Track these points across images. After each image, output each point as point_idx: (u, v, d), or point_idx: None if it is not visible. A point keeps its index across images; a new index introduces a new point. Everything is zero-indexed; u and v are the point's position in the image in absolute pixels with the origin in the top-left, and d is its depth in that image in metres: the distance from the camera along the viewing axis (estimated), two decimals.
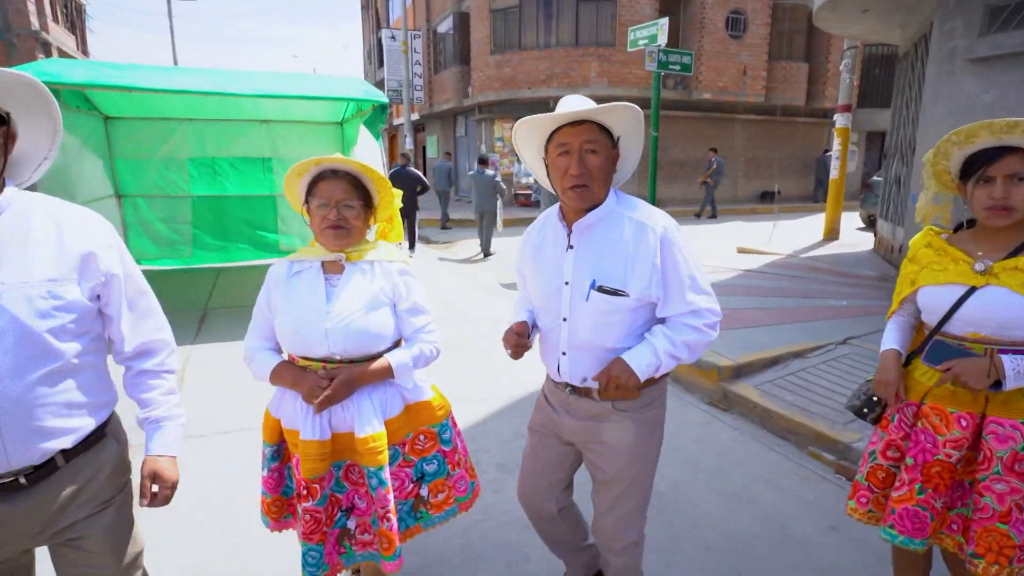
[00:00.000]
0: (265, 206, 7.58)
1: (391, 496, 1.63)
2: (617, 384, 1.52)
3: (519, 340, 1.67)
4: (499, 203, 9.38)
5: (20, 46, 18.42)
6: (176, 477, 1.41)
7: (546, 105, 16.38)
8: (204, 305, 6.25)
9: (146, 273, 1.51)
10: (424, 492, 1.78)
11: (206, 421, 3.49)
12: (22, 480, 1.18)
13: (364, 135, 5.80)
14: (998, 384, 1.50)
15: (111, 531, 1.34)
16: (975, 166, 1.56)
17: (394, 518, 1.63)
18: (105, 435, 1.34)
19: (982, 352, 1.56)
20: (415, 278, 1.75)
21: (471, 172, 9.86)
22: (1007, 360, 1.49)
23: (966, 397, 1.61)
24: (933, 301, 1.67)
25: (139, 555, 1.43)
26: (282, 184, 1.72)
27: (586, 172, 1.50)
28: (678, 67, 6.57)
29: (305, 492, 1.60)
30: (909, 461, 1.70)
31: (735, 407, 3.83)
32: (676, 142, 16.80)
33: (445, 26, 19.55)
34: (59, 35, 23.38)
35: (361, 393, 1.63)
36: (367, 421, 1.61)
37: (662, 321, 1.61)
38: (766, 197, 18.00)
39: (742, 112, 17.72)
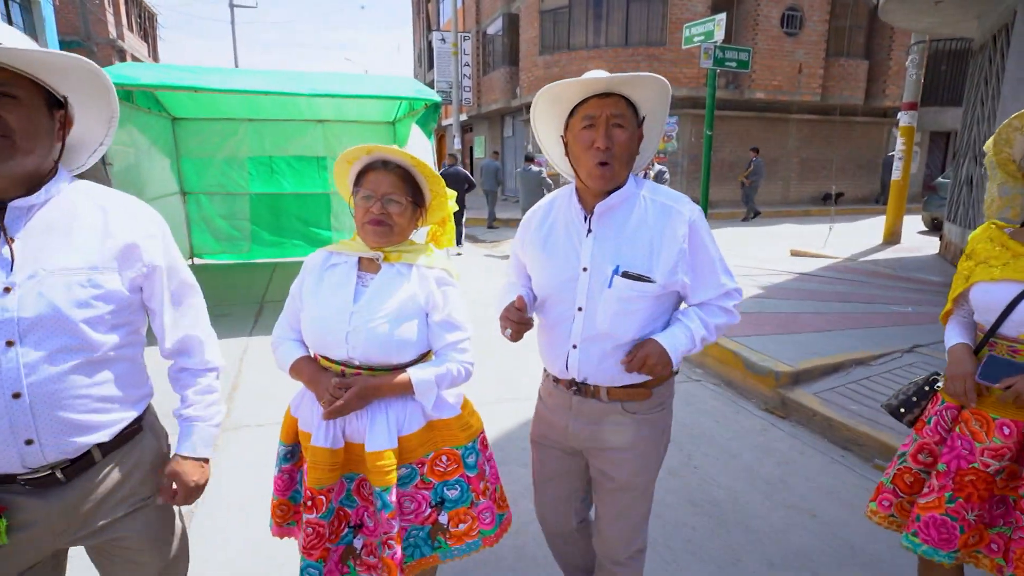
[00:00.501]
0: (319, 203, 7.80)
1: (396, 522, 1.46)
2: (650, 367, 1.44)
3: (522, 316, 1.53)
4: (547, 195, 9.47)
5: (99, 53, 19.53)
6: (198, 479, 1.34)
7: None
8: (261, 298, 6.44)
9: (207, 267, 1.53)
10: (443, 519, 1.59)
11: (261, 413, 3.62)
12: (59, 475, 1.14)
13: (416, 134, 5.88)
14: None
15: (151, 528, 1.31)
16: None
17: (398, 546, 1.45)
18: (142, 429, 1.30)
19: None
20: (455, 288, 1.60)
21: (518, 170, 9.82)
22: None
23: (1011, 404, 1.51)
24: (987, 299, 1.56)
25: (182, 555, 1.41)
26: (334, 182, 1.67)
27: (612, 148, 1.42)
28: (735, 64, 6.40)
29: (310, 503, 1.47)
30: (941, 467, 1.59)
31: (793, 414, 3.69)
32: (726, 142, 16.37)
33: (494, 27, 19.64)
34: (133, 43, 24.69)
35: (377, 405, 1.50)
36: (378, 436, 1.47)
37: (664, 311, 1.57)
38: (828, 199, 17.34)
39: (796, 112, 17.12)
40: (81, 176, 1.29)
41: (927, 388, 1.78)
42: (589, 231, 1.51)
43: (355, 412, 1.48)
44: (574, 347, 1.54)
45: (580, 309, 1.51)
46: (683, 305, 1.62)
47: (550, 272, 1.57)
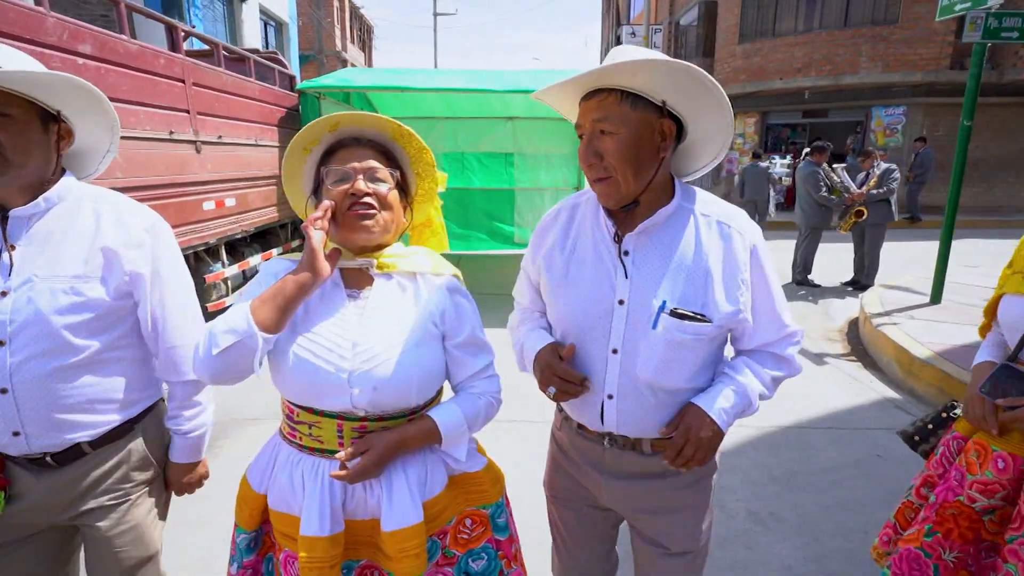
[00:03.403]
0: (504, 199, 8.01)
1: None
2: (699, 443, 1.14)
3: (574, 374, 1.21)
4: (771, 193, 8.77)
5: (327, 63, 22.52)
6: (188, 480, 1.43)
7: (799, 97, 14.62)
8: None
9: None
10: None
11: None
12: (49, 460, 1.22)
13: None
14: None
15: (130, 521, 1.33)
16: None
17: None
18: (132, 429, 1.34)
19: None
20: (470, 299, 1.28)
21: (743, 167, 9.39)
22: None
23: (1016, 435, 1.37)
24: (1012, 314, 1.41)
25: (154, 556, 1.40)
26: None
27: (599, 162, 1.14)
28: (1015, 35, 5.03)
29: None
30: (931, 498, 1.48)
31: None
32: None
33: (689, 17, 18.67)
34: (354, 53, 28.07)
35: (392, 466, 1.14)
36: (401, 509, 1.12)
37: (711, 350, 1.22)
38: None
39: None
40: None
41: (945, 416, 1.63)
42: (624, 253, 1.21)
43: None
44: (609, 397, 1.24)
45: (615, 352, 1.21)
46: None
47: (575, 304, 1.25)
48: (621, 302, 1.19)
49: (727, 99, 1.10)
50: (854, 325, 5.54)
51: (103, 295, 1.21)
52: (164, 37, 4.06)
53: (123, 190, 3.34)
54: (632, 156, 1.12)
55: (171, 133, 3.75)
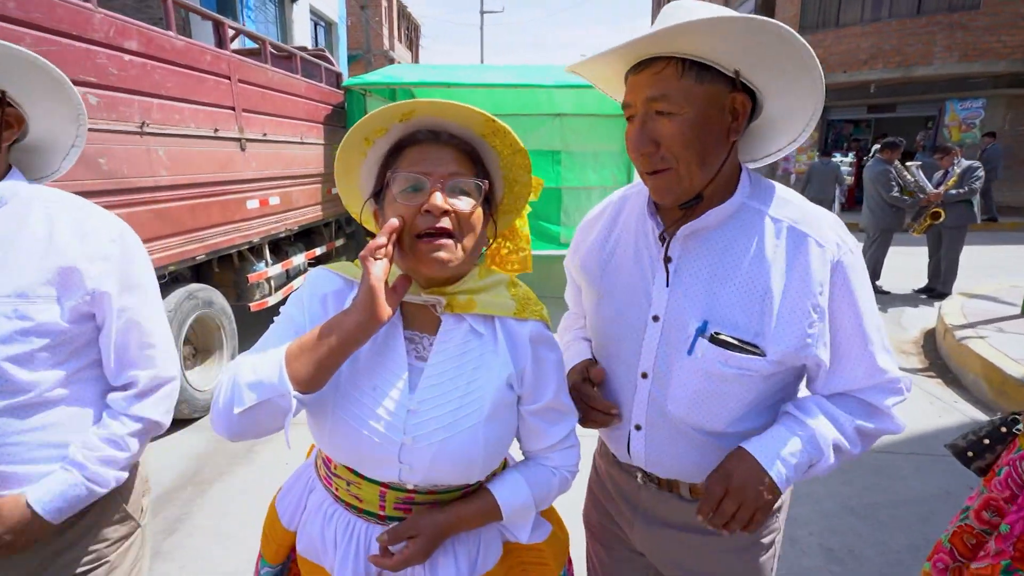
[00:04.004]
0: (551, 198, 7.81)
1: None
2: (744, 500, 0.91)
3: (601, 401, 1.06)
4: (837, 192, 8.38)
5: (375, 63, 22.79)
6: (6, 525, 0.98)
7: (864, 91, 13.81)
8: None
9: None
10: None
11: None
12: None
13: None
14: None
15: None
16: None
17: None
18: None
19: None
20: (557, 350, 1.02)
21: (812, 162, 9.13)
22: None
23: None
24: None
25: None
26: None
27: (655, 150, 0.91)
28: None
29: None
30: (1004, 528, 1.25)
31: None
32: None
33: (745, 9, 17.97)
34: (401, 52, 28.38)
35: (442, 546, 0.97)
36: None
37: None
38: None
39: None
40: None
41: (1004, 430, 1.39)
42: (667, 259, 1.00)
43: None
44: (637, 428, 1.06)
45: (645, 376, 1.03)
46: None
47: (606, 313, 1.09)
48: (656, 318, 1.01)
49: (820, 67, 0.87)
50: (931, 337, 5.09)
51: (56, 318, 1.00)
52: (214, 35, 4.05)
53: (166, 188, 3.35)
54: (697, 141, 0.90)
55: (216, 131, 3.72)
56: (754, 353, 0.93)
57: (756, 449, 0.94)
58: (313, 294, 0.97)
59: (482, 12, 31.13)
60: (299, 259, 5.01)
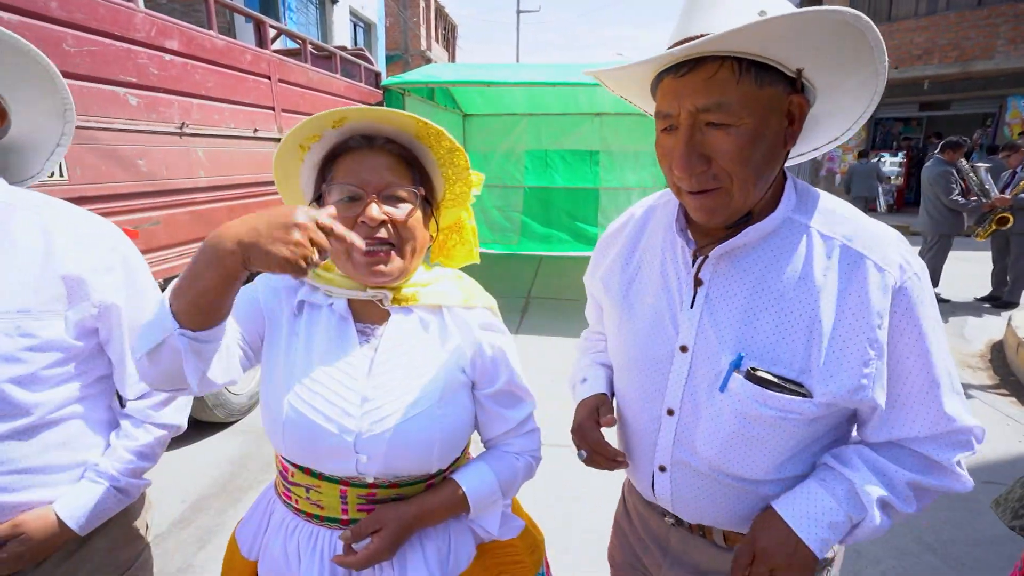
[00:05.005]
0: (588, 198, 7.68)
1: None
2: (774, 566, 0.82)
3: (607, 447, 0.98)
4: (880, 188, 8.09)
5: (411, 62, 22.92)
6: (33, 539, 0.92)
7: (916, 87, 13.19)
8: (527, 293, 6.50)
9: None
10: None
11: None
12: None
13: None
14: None
15: None
16: None
17: None
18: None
19: None
20: (507, 336, 1.04)
21: (852, 164, 8.91)
22: None
23: None
24: None
25: None
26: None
27: (706, 168, 0.78)
28: None
29: None
30: None
31: None
32: None
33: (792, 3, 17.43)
34: (438, 52, 28.51)
35: (409, 540, 0.96)
36: None
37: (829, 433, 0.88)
38: None
39: None
40: None
41: None
42: (698, 282, 0.88)
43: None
44: (661, 469, 0.95)
45: (670, 413, 0.92)
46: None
47: (628, 339, 0.97)
48: (684, 348, 0.89)
49: (887, 63, 0.75)
50: (998, 350, 4.75)
51: (62, 334, 0.93)
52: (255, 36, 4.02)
53: (205, 189, 3.32)
54: (755, 155, 0.77)
55: (255, 130, 3.68)
56: (798, 393, 0.81)
57: (785, 509, 0.84)
58: (268, 284, 1.00)
59: (519, 11, 31.01)
60: None
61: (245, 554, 1.02)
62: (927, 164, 6.23)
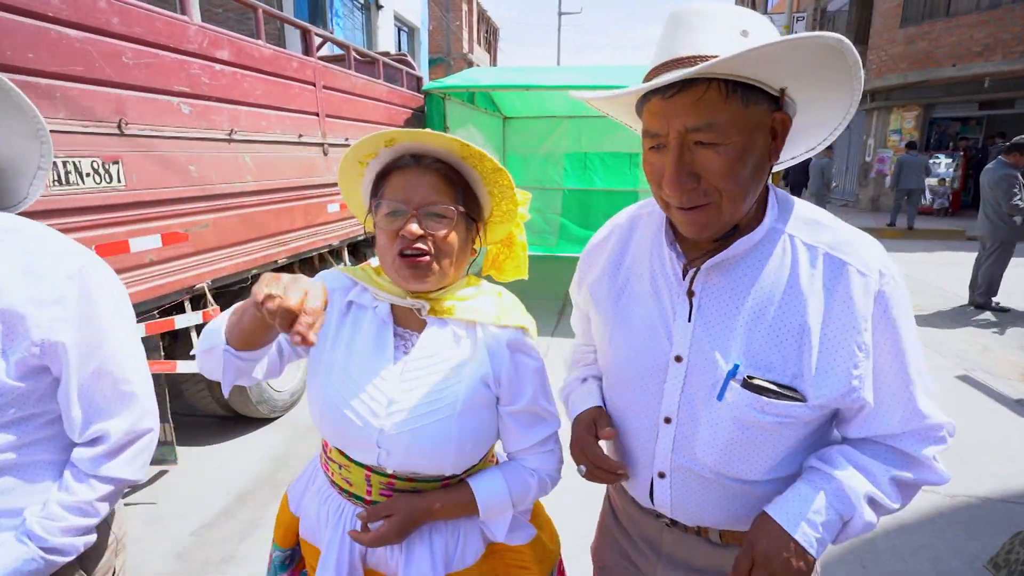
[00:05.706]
0: (626, 201, 7.58)
1: None
2: (772, 570, 0.83)
3: (609, 462, 0.99)
4: (927, 185, 7.81)
5: (453, 65, 23.19)
6: None
7: (976, 85, 12.57)
8: (564, 295, 6.47)
9: None
10: None
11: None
12: None
13: None
14: None
15: None
16: None
17: None
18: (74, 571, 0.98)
19: None
20: (536, 358, 1.07)
21: (901, 156, 8.62)
22: None
23: None
24: None
25: None
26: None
27: (699, 185, 0.81)
28: None
29: None
30: None
31: None
32: None
33: (839, 2, 16.88)
34: (479, 55, 28.76)
35: (419, 530, 1.03)
36: None
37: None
38: None
39: None
40: None
41: None
42: (691, 293, 0.91)
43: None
44: (660, 476, 0.98)
45: (667, 421, 0.94)
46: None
47: (621, 351, 0.99)
48: (679, 358, 0.92)
49: (862, 79, 0.80)
50: None
51: (1, 376, 0.86)
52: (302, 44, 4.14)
53: (252, 194, 3.44)
54: (743, 172, 0.81)
55: (300, 136, 3.79)
56: (793, 399, 0.85)
57: (778, 512, 0.87)
58: (325, 283, 1.09)
59: (560, 13, 30.99)
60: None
61: (293, 510, 1.16)
62: (988, 166, 5.93)
